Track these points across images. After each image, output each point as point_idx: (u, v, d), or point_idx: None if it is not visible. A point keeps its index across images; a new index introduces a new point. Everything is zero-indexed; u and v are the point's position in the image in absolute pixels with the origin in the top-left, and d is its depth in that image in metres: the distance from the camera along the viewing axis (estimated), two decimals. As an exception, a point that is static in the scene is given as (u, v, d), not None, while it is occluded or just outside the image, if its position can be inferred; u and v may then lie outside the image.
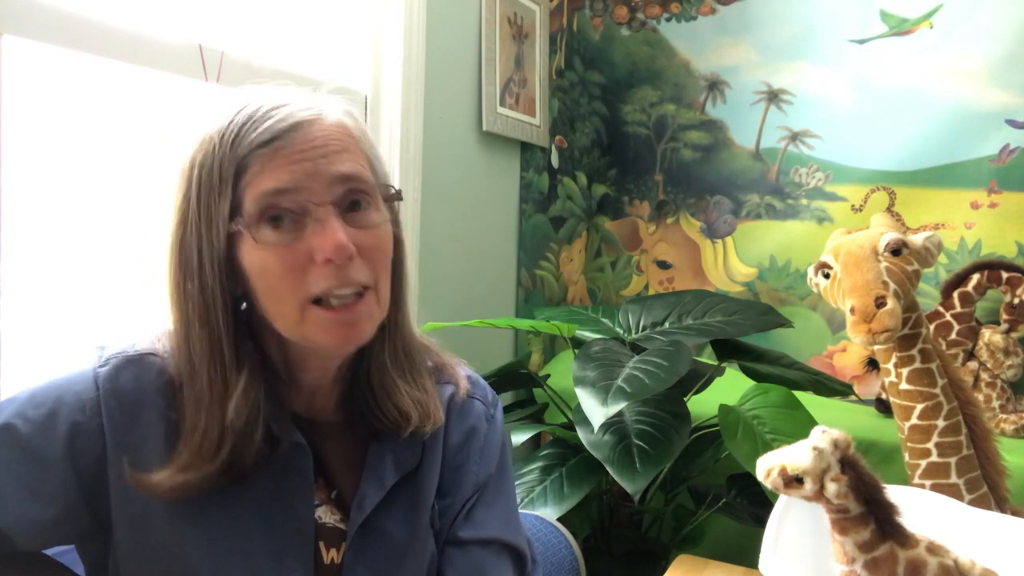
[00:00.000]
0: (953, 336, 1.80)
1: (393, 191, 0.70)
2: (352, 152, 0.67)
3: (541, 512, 1.23)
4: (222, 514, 0.67)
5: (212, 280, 0.63)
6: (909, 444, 1.26)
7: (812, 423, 1.28)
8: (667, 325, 1.61)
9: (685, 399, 1.46)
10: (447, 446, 0.79)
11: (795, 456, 0.69)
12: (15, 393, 0.67)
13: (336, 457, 0.74)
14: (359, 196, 0.66)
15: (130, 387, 0.67)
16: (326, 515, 0.71)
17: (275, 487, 0.68)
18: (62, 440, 0.64)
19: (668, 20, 2.34)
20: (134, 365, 0.68)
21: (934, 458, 1.23)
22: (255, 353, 0.68)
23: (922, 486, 1.23)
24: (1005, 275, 1.75)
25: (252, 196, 0.62)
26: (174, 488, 0.63)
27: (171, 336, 0.67)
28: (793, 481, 0.69)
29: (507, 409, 1.73)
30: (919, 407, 1.24)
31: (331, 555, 0.70)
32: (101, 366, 0.68)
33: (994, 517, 0.85)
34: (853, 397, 1.68)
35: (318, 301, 0.64)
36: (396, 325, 0.74)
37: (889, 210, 2.06)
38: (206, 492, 0.64)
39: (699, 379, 1.56)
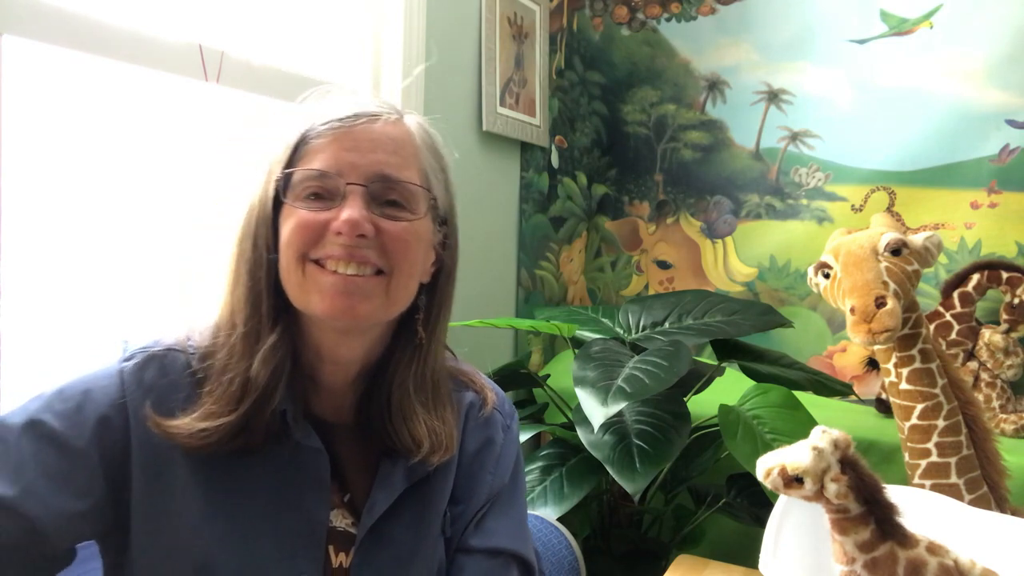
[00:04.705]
0: (953, 336, 1.80)
1: (432, 201, 0.72)
2: (404, 157, 0.69)
3: (541, 512, 1.23)
4: (237, 514, 0.67)
5: (261, 241, 0.68)
6: (909, 444, 1.26)
7: (812, 423, 1.29)
8: (667, 325, 1.60)
9: (685, 399, 1.46)
10: (463, 453, 0.79)
11: (795, 456, 0.69)
12: (41, 391, 0.67)
13: (351, 460, 0.74)
14: (395, 196, 0.68)
15: (155, 382, 0.68)
16: (338, 519, 0.71)
17: (291, 489, 0.69)
18: (90, 432, 0.64)
19: (668, 20, 2.34)
20: (158, 360, 0.69)
21: (934, 458, 1.23)
22: (291, 323, 0.70)
23: (922, 486, 1.23)
24: (1005, 275, 1.75)
25: (301, 171, 0.67)
26: (192, 435, 0.64)
27: (220, 296, 0.71)
28: (793, 481, 0.69)
29: (507, 409, 1.72)
30: (919, 407, 1.24)
31: (340, 559, 0.70)
32: (126, 360, 0.69)
33: (994, 517, 0.85)
34: (853, 397, 1.68)
35: (318, 263, 0.66)
36: (427, 351, 0.75)
37: (889, 210, 2.06)
38: (219, 455, 0.66)
39: (699, 379, 1.56)
